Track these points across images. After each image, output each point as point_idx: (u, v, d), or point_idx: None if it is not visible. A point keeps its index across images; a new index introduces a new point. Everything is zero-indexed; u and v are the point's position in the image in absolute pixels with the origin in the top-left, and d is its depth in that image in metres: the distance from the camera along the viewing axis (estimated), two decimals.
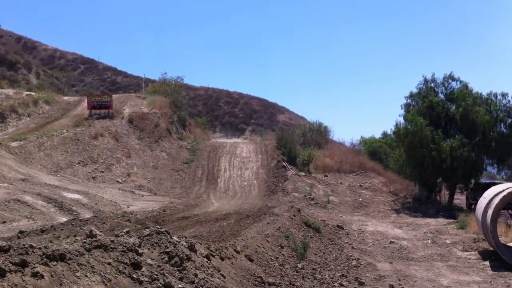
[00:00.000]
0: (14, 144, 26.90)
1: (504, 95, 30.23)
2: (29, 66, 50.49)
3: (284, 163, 32.58)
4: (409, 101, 32.02)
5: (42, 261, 5.45)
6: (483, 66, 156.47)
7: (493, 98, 30.47)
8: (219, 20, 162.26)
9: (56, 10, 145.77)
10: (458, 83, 31.48)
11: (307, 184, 29.62)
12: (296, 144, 36.00)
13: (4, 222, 14.02)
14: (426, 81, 31.78)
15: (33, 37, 77.41)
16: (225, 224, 15.27)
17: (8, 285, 4.84)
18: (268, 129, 57.87)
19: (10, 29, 74.54)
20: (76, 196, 19.33)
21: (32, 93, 39.25)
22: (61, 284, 5.29)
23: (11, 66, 46.73)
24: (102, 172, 27.22)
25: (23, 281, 5.00)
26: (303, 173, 32.04)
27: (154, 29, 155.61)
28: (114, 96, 40.14)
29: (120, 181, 26.39)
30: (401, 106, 32.03)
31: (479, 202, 17.48)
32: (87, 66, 73.91)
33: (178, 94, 43.74)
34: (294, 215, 17.61)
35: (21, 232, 11.72)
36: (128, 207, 19.75)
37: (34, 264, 5.31)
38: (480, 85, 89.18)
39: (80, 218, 14.79)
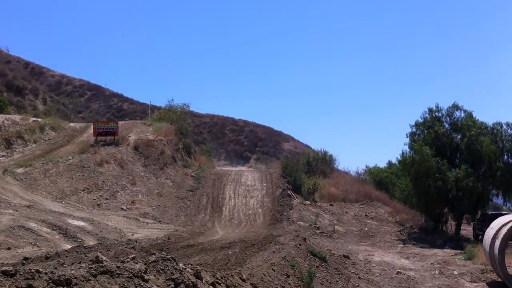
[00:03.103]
0: (19, 170, 26.94)
1: (509, 125, 30.03)
2: (36, 92, 50.81)
3: (289, 192, 32.45)
4: (414, 129, 31.92)
5: (49, 286, 5.42)
6: (489, 96, 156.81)
7: (498, 128, 30.36)
8: (225, 48, 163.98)
9: (64, 37, 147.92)
10: (463, 112, 31.42)
11: (312, 213, 29.43)
12: (301, 173, 35.92)
13: (9, 248, 13.98)
14: (430, 111, 31.73)
15: (41, 63, 78.27)
16: (230, 252, 15.15)
17: None
18: (273, 157, 57.87)
19: (18, 54, 75.51)
20: (81, 223, 19.27)
21: (39, 119, 39.46)
22: None
23: (18, 91, 47.04)
24: (107, 199, 27.17)
25: None
26: (308, 202, 31.87)
27: (160, 56, 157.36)
28: (120, 122, 40.31)
29: (125, 208, 26.30)
30: (406, 134, 31.87)
31: (486, 233, 17.32)
32: (93, 93, 74.51)
33: (184, 121, 43.88)
34: (300, 244, 17.46)
35: (25, 258, 11.66)
36: (133, 234, 19.64)
37: None
38: (486, 115, 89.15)
39: (85, 245, 14.74)
